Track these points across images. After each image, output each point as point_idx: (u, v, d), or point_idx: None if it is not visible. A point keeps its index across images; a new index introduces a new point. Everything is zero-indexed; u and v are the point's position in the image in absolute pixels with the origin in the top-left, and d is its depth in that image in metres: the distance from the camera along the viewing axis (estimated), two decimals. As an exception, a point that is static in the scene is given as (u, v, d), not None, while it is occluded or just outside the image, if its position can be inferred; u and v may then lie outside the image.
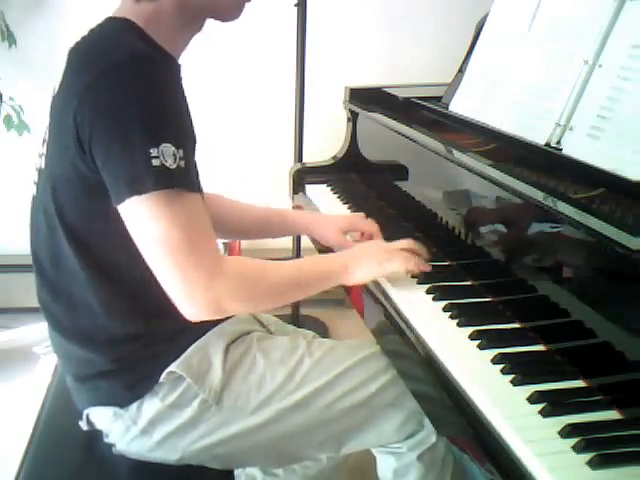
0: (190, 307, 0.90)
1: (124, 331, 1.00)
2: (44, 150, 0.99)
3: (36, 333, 2.06)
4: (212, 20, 1.02)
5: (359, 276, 1.07)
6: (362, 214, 1.35)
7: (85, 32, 0.97)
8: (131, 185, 0.85)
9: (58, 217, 0.95)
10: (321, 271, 1.07)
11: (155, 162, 0.83)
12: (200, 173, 0.99)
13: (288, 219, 1.38)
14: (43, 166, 0.99)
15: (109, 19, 0.97)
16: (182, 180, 0.87)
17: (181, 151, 0.86)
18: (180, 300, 0.90)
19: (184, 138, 0.89)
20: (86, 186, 0.91)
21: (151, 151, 0.83)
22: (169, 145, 0.85)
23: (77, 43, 0.96)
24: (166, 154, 0.84)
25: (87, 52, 0.94)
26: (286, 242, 2.37)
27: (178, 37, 1.00)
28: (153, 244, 0.88)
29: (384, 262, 1.08)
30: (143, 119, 0.84)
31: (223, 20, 1.02)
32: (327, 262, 1.11)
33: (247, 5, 1.02)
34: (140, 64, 0.86)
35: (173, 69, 0.93)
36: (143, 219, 0.87)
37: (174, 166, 0.85)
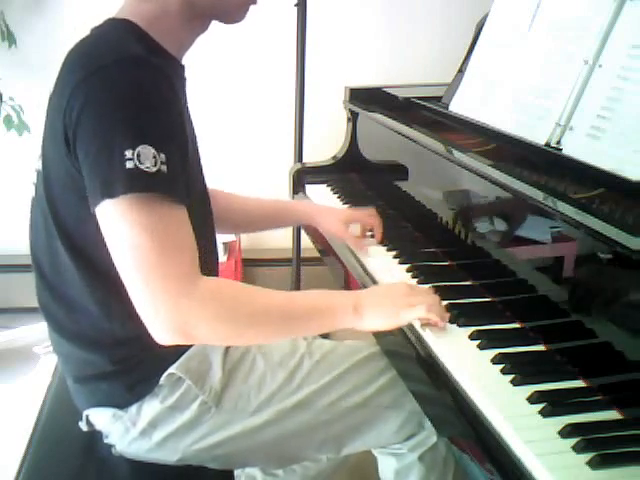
0: (156, 326, 0.84)
1: (124, 333, 0.99)
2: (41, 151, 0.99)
3: (36, 333, 2.06)
4: (213, 22, 1.02)
5: (374, 324, 0.95)
6: (368, 210, 1.37)
7: (85, 33, 0.97)
8: (104, 187, 0.82)
9: (54, 220, 0.94)
10: (321, 307, 0.94)
11: (129, 164, 0.80)
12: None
13: (291, 209, 1.42)
14: (40, 168, 0.98)
15: (110, 20, 0.96)
16: (160, 185, 0.82)
17: (163, 155, 0.82)
18: (147, 318, 0.84)
19: (168, 142, 0.85)
20: (77, 188, 0.88)
21: (126, 153, 0.80)
22: (149, 147, 0.81)
23: (75, 45, 0.95)
24: (143, 157, 0.81)
25: (80, 54, 0.93)
26: (286, 242, 2.37)
27: (182, 37, 0.99)
28: (122, 252, 0.84)
29: (404, 311, 0.95)
30: (123, 120, 0.82)
31: (227, 22, 1.01)
32: (332, 298, 0.96)
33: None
34: (128, 66, 0.85)
35: (166, 72, 0.89)
36: (114, 223, 0.83)
37: (154, 170, 0.81)
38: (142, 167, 0.81)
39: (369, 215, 1.36)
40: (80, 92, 0.84)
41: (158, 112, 0.85)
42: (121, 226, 0.83)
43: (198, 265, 0.87)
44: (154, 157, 0.81)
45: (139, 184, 0.81)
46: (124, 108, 0.82)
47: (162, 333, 0.84)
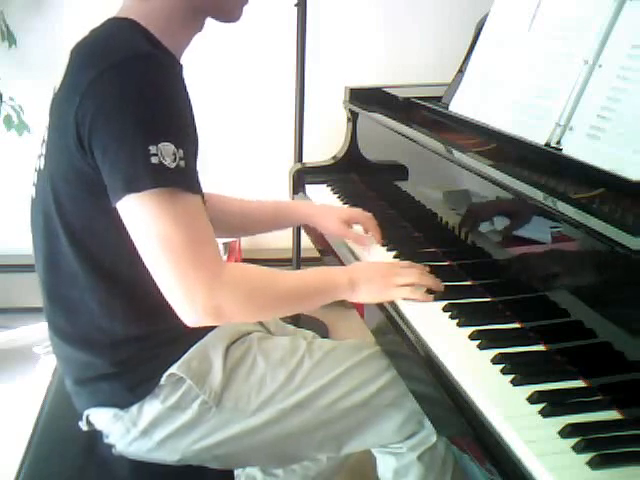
0: (190, 312, 0.88)
1: (125, 333, 0.99)
2: (43, 151, 0.99)
3: (36, 333, 2.06)
4: (212, 22, 1.02)
5: (362, 296, 1.05)
6: (360, 210, 1.38)
7: (86, 32, 0.97)
8: (128, 183, 0.84)
9: (59, 218, 0.95)
10: (324, 283, 1.04)
11: (154, 160, 0.82)
12: (200, 175, 0.98)
13: (289, 210, 1.41)
14: (42, 167, 0.98)
15: (111, 19, 0.96)
16: (181, 180, 0.86)
17: (181, 151, 0.85)
18: (179, 305, 0.88)
19: (185, 139, 0.87)
20: (86, 185, 0.90)
21: (150, 149, 0.82)
22: (169, 144, 0.83)
23: (79, 43, 0.96)
24: (165, 153, 0.83)
25: (90, 51, 0.93)
26: (286, 242, 2.38)
27: (180, 36, 1.00)
28: (151, 244, 0.86)
29: (390, 288, 1.06)
30: (144, 117, 0.83)
31: (224, 20, 1.02)
32: (331, 274, 1.07)
33: (247, 6, 1.02)
34: (143, 62, 0.86)
35: (176, 69, 0.92)
36: (140, 218, 0.86)
37: (173, 165, 0.84)
38: (165, 163, 0.83)
39: (367, 217, 1.36)
40: (93, 91, 0.85)
41: (174, 108, 0.87)
42: (148, 220, 0.85)
43: (220, 252, 0.92)
44: (174, 153, 0.84)
45: (164, 179, 0.84)
46: (141, 105, 0.84)
47: (195, 318, 0.89)
